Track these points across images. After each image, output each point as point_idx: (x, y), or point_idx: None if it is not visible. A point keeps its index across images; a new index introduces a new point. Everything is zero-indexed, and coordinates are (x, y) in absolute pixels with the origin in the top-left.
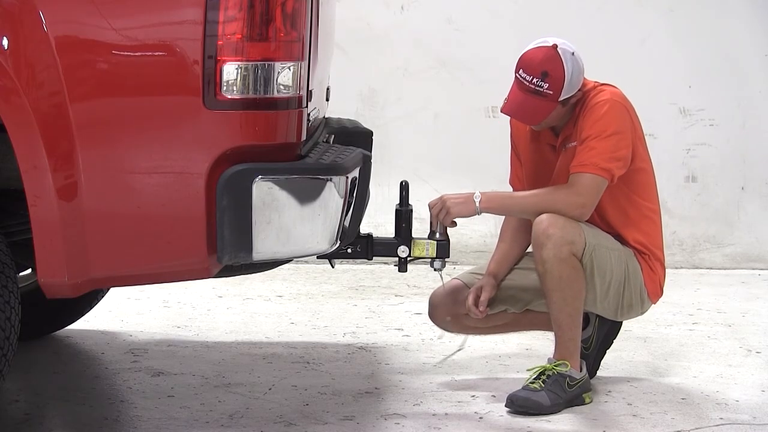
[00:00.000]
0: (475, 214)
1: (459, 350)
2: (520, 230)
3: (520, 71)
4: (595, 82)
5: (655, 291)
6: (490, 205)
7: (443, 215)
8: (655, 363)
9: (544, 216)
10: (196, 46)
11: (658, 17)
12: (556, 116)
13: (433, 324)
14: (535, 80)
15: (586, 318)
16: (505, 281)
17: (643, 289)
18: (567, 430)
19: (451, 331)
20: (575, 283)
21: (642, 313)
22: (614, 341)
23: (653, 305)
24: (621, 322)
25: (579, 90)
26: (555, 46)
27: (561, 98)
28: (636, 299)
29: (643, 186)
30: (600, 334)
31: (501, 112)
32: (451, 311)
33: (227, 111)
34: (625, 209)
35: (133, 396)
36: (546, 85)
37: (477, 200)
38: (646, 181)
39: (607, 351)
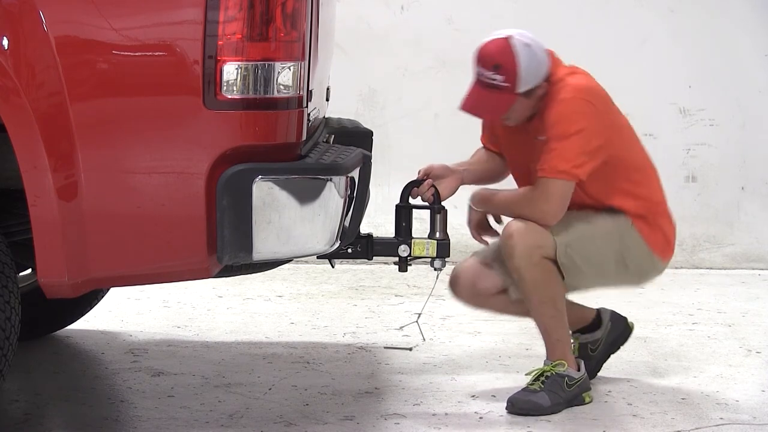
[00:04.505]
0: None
1: (418, 316)
2: (494, 159)
3: (475, 65)
4: (569, 67)
5: (664, 249)
6: (479, 204)
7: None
8: (655, 363)
9: (510, 225)
10: (196, 46)
11: (658, 17)
12: (521, 109)
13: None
14: (488, 73)
15: (599, 320)
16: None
17: (650, 254)
18: (567, 430)
19: (470, 306)
20: (550, 285)
21: (661, 273)
22: (621, 347)
23: (671, 260)
24: (631, 330)
25: (545, 81)
26: (508, 38)
27: (520, 90)
28: (646, 265)
29: (625, 163)
30: (609, 338)
31: (460, 109)
32: (472, 288)
33: (227, 111)
34: (610, 180)
35: (133, 396)
36: (500, 78)
37: (473, 206)
38: (627, 158)
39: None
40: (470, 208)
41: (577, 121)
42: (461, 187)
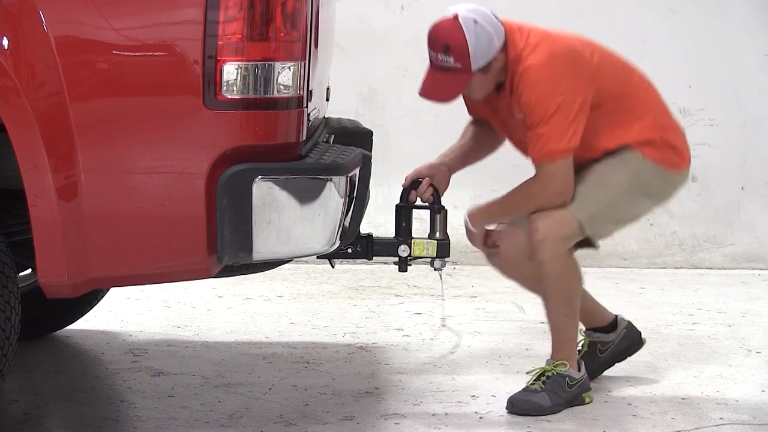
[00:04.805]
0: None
1: (443, 320)
2: (484, 132)
3: (428, 48)
4: (525, 32)
5: (679, 163)
6: (482, 222)
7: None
8: (655, 363)
9: (535, 220)
10: (196, 46)
11: (658, 17)
12: (482, 84)
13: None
14: (440, 56)
15: (614, 324)
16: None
17: (668, 176)
18: (567, 430)
19: (503, 272)
20: (570, 282)
21: (686, 182)
22: (628, 358)
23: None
24: (642, 344)
25: (501, 53)
26: (456, 16)
27: (474, 68)
28: (669, 186)
29: (610, 96)
30: (620, 346)
31: (419, 95)
32: (509, 254)
33: (227, 111)
34: (602, 122)
35: (133, 396)
36: (451, 59)
37: (472, 227)
38: (611, 90)
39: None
40: (469, 230)
41: (552, 99)
42: (464, 186)
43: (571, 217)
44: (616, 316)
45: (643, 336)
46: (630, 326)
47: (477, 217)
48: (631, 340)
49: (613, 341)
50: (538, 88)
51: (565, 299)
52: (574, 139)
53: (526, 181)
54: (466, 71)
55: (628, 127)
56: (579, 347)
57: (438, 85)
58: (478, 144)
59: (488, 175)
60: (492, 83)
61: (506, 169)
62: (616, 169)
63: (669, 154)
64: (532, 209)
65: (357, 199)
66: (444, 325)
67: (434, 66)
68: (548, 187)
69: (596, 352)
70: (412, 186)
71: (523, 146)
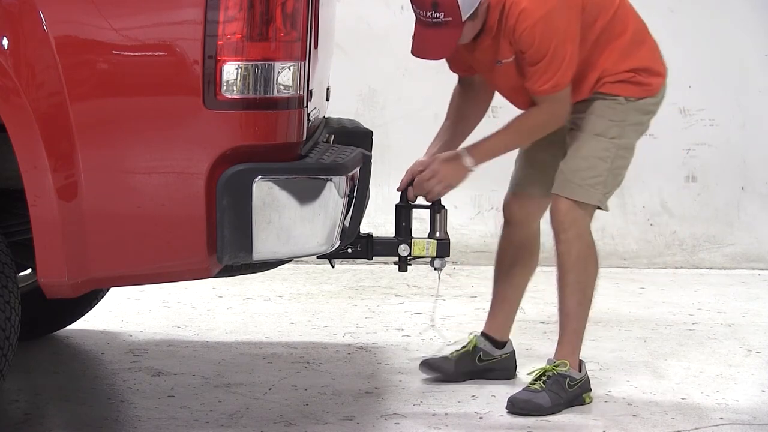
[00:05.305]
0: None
1: (432, 320)
2: (467, 104)
3: (414, 7)
4: None
5: (657, 84)
6: (483, 159)
7: (439, 190)
8: (655, 363)
9: (557, 202)
10: (196, 46)
11: (658, 17)
12: (469, 31)
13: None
14: (429, 14)
15: (505, 344)
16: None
17: (653, 102)
18: (567, 430)
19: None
20: (590, 267)
21: (665, 91)
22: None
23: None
24: (513, 376)
25: None
26: None
27: (465, 19)
28: (655, 106)
29: (589, 18)
30: (498, 365)
31: (411, 54)
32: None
33: (227, 111)
34: (591, 56)
35: (133, 396)
36: (442, 15)
37: (469, 163)
38: (597, 15)
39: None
40: (463, 167)
41: (551, 36)
42: (463, 186)
43: (586, 203)
44: (509, 339)
45: (516, 371)
46: (513, 355)
47: (481, 154)
48: (505, 367)
49: (496, 358)
50: (536, 29)
51: (580, 286)
52: (573, 68)
53: (529, 114)
54: (457, 24)
55: (608, 59)
56: (465, 344)
57: (431, 42)
58: (463, 117)
59: (488, 176)
60: (478, 26)
61: (506, 170)
62: (603, 128)
63: (647, 80)
64: (537, 138)
65: (357, 199)
66: (433, 326)
67: (424, 24)
68: (555, 114)
69: (476, 358)
70: (407, 188)
71: (510, 92)
